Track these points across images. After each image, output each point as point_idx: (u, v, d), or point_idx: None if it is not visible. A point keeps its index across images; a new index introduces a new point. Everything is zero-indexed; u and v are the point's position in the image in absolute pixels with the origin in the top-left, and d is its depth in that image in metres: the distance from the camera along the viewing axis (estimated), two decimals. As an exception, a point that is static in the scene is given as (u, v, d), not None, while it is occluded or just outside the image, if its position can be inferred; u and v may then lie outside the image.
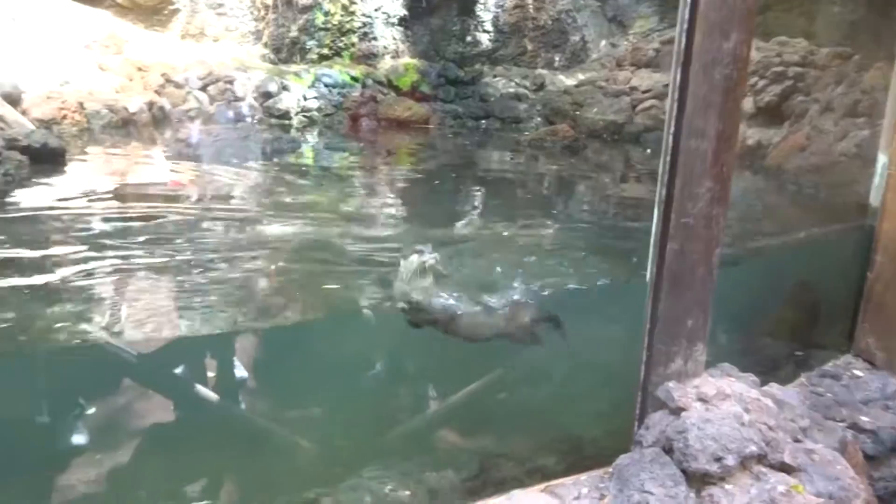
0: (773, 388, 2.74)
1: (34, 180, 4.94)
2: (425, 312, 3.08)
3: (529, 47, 13.60)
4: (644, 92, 11.05)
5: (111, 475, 2.85)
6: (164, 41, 10.78)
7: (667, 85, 2.58)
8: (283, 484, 2.83)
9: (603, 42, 14.26)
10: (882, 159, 3.82)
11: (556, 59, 13.78)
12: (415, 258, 3.06)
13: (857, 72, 6.87)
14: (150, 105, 8.85)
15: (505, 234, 4.59)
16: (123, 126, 8.29)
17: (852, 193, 4.30)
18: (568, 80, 12.88)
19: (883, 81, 3.95)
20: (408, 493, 2.69)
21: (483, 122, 11.51)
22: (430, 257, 3.04)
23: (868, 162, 4.04)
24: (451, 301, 3.13)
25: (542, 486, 2.69)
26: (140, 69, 9.66)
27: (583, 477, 2.75)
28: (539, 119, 11.70)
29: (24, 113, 7.37)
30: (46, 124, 7.40)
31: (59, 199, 4.71)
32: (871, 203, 3.90)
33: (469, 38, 12.94)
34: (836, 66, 7.77)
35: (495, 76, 12.73)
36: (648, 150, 9.47)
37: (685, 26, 2.48)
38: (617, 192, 6.98)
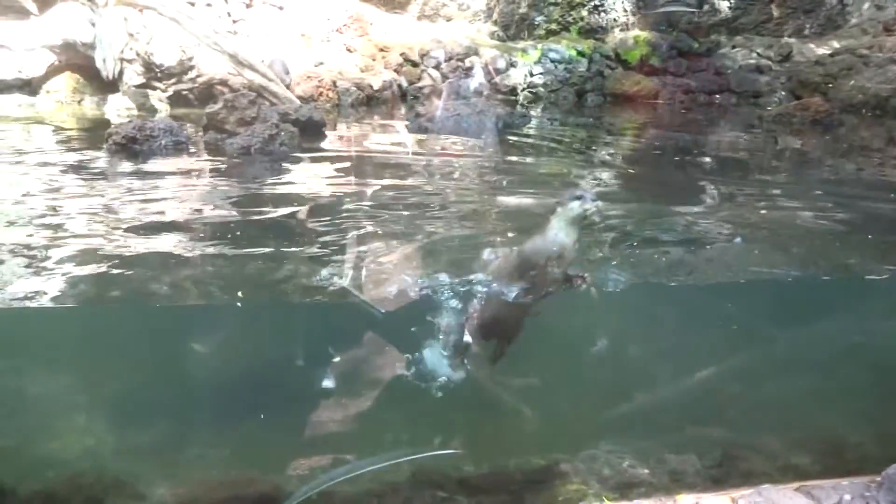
0: None
1: (302, 148, 5.57)
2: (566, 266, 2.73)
3: (776, 13, 12.38)
4: (920, 60, 9.57)
5: (358, 419, 3.15)
6: (403, 22, 11.45)
7: None
8: (522, 447, 2.94)
9: (866, 4, 12.54)
10: None
11: (808, 25, 12.40)
12: (576, 204, 2.69)
13: None
14: (391, 83, 9.51)
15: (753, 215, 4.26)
16: (367, 102, 9.03)
17: None
18: (820, 49, 11.55)
19: None
20: (646, 471, 2.66)
21: (717, 96, 10.77)
22: (592, 204, 2.66)
23: None
24: None
25: (797, 484, 2.52)
26: (382, 49, 10.38)
27: (844, 482, 2.53)
28: (782, 93, 10.69)
29: (289, 90, 8.32)
30: (306, 101, 8.28)
31: (332, 168, 5.27)
32: None
33: (707, 6, 12.09)
34: None
35: (734, 47, 11.81)
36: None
37: None
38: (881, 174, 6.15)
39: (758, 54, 11.66)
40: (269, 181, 4.83)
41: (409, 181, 4.95)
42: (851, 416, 2.90)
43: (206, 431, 3.13)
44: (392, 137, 6.81)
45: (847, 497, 2.44)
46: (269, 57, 8.70)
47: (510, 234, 3.99)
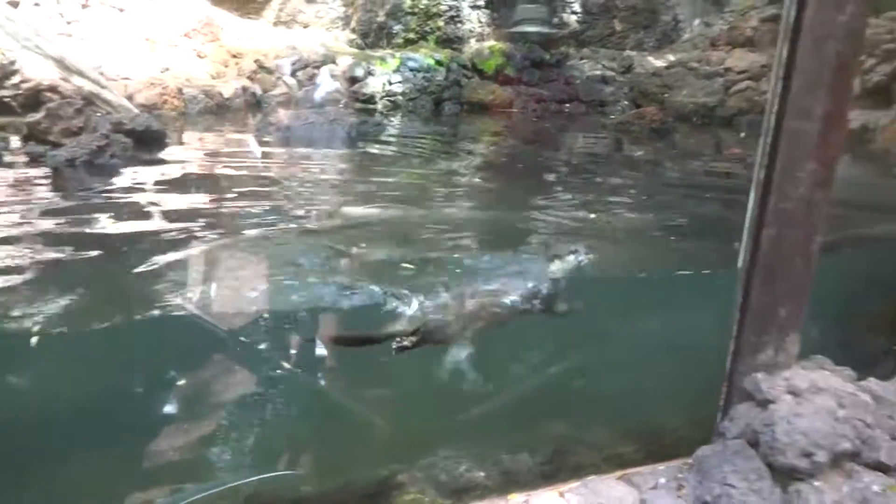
0: (872, 382, 2.57)
1: (137, 161, 5.24)
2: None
3: (618, 28, 13.24)
4: (739, 73, 10.55)
5: (195, 444, 2.99)
6: (258, 28, 11.13)
7: (764, 66, 2.46)
8: (361, 459, 2.91)
9: (696, 21, 13.69)
10: None
11: (646, 40, 13.36)
12: (571, 258, 3.26)
13: (981, 48, 6.32)
14: (244, 90, 9.20)
15: (581, 218, 4.52)
16: (218, 111, 8.67)
17: (970, 180, 3.97)
18: (657, 62, 12.46)
19: None
20: (482, 474, 2.70)
21: (567, 105, 11.32)
22: (585, 258, 3.25)
23: None
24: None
25: (619, 473, 2.65)
26: (235, 56, 10.03)
27: (661, 467, 2.69)
28: (625, 102, 11.41)
29: (129, 98, 7.82)
30: (148, 109, 7.81)
31: (158, 181, 4.98)
32: None
33: (556, 20, 12.71)
34: (956, 42, 7.18)
35: (582, 58, 12.48)
36: (742, 134, 9.05)
37: (796, -2, 2.34)
38: (702, 177, 6.72)
39: (603, 66, 12.38)
40: (93, 196, 4.49)
41: (255, 192, 4.79)
42: (669, 404, 3.11)
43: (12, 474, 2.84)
44: (241, 147, 6.58)
45: (662, 480, 2.60)
46: (105, 61, 8.14)
47: (362, 246, 3.98)
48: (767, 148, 2.38)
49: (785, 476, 2.26)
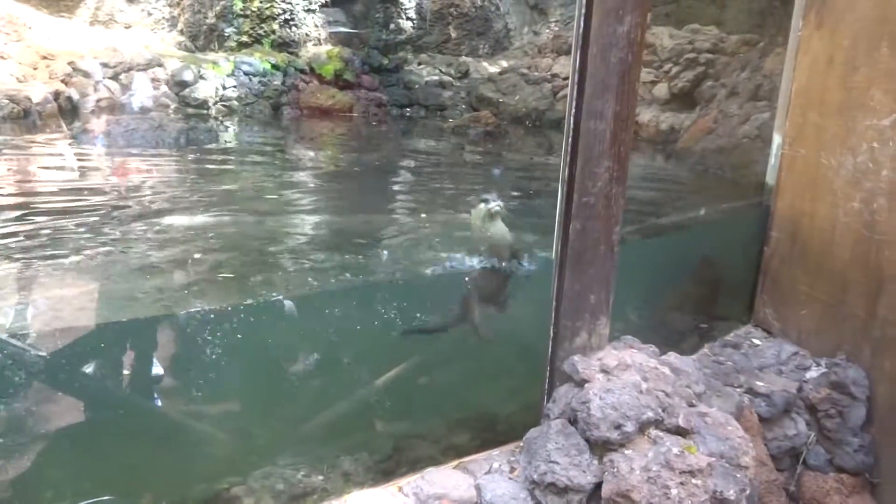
0: (671, 356, 2.87)
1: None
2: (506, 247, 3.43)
3: (453, 35, 13.66)
4: (565, 79, 11.26)
5: (15, 479, 2.73)
6: (71, 28, 10.28)
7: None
8: (197, 476, 2.79)
9: (525, 29, 14.46)
10: (777, 139, 4.03)
11: (481, 46, 13.89)
12: (482, 206, 3.42)
13: (761, 58, 7.21)
14: (57, 95, 8.45)
15: (414, 218, 4.64)
16: (26, 117, 7.89)
17: (752, 173, 4.52)
18: (491, 68, 13.01)
19: (781, 66, 4.16)
20: (321, 477, 2.69)
21: (407, 109, 11.51)
22: (494, 204, 3.39)
23: (767, 143, 4.25)
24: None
25: (455, 462, 2.75)
26: (45, 57, 9.20)
27: (495, 452, 2.82)
28: (464, 106, 11.79)
29: None
30: (-61, 115, 6.97)
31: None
32: (767, 182, 4.12)
33: (392, 26, 12.88)
34: (743, 52, 8.13)
35: (419, 64, 12.74)
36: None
37: (583, 10, 2.56)
38: (527, 175, 7.13)
39: (441, 71, 12.72)
40: None
41: (72, 205, 4.43)
42: (503, 392, 3.27)
43: None
44: (54, 158, 6.04)
45: (496, 464, 2.74)
46: None
47: (196, 256, 3.81)
48: (569, 147, 2.58)
49: (601, 448, 2.46)
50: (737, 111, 6.82)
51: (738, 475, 2.46)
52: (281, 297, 3.26)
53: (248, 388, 2.97)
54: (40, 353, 2.94)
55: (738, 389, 3.31)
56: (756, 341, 3.87)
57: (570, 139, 2.64)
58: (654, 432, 2.48)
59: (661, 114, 8.89)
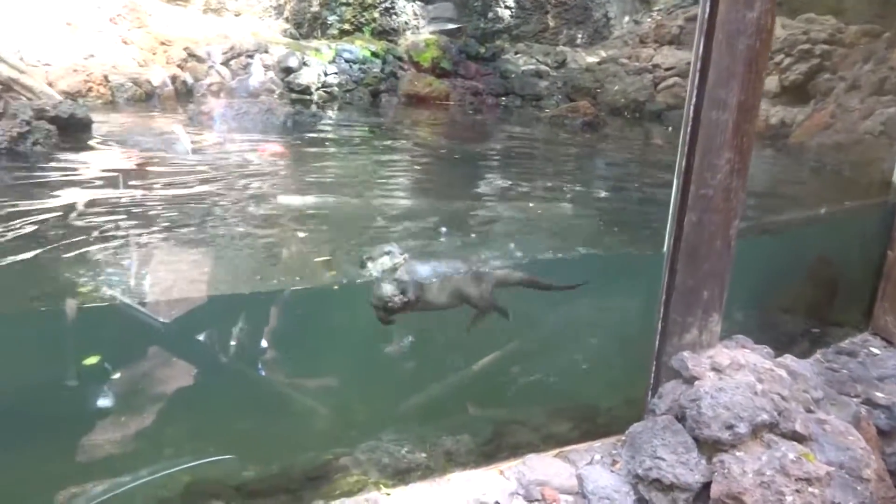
0: (788, 359, 2.75)
1: (62, 149, 5.03)
2: (401, 293, 3.23)
3: (551, 24, 13.47)
4: (667, 69, 10.92)
5: (135, 436, 2.93)
6: (186, 15, 10.81)
7: (690, 63, 2.58)
8: (304, 444, 2.92)
9: (626, 18, 14.08)
10: (907, 136, 3.78)
11: (579, 36, 13.65)
12: (386, 259, 3.21)
13: (887, 48, 6.74)
14: (174, 79, 8.94)
15: (511, 208, 4.63)
16: (147, 99, 8.40)
17: (876, 171, 4.26)
18: (590, 58, 12.76)
19: (911, 58, 3.88)
20: (424, 455, 2.76)
21: (503, 98, 11.46)
22: (400, 258, 3.20)
23: (894, 140, 3.99)
24: (418, 269, 3.26)
25: (556, 451, 2.75)
26: (163, 43, 9.71)
27: (596, 444, 2.80)
28: (559, 96, 11.62)
29: (50, 85, 7.48)
30: (72, 96, 7.50)
31: (85, 170, 4.81)
32: (894, 181, 3.87)
33: (490, 14, 12.83)
34: (864, 43, 7.62)
35: (516, 53, 12.64)
36: (670, 128, 9.39)
37: (709, -3, 2.47)
38: (631, 168, 6.98)
39: (537, 60, 12.58)
40: (19, 184, 4.31)
41: (188, 182, 4.68)
42: (604, 384, 3.23)
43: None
44: (171, 136, 6.40)
45: (598, 456, 2.72)
46: (24, 46, 7.76)
47: (301, 235, 3.96)
48: (687, 138, 2.51)
49: (710, 447, 2.40)
50: (858, 105, 6.41)
51: (859, 487, 2.35)
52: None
53: (356, 365, 3.07)
54: (162, 320, 3.14)
55: (855, 399, 3.14)
56: (875, 350, 3.65)
57: (688, 129, 2.57)
58: (767, 436, 2.40)
59: (770, 107, 8.47)
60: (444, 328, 3.57)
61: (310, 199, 4.43)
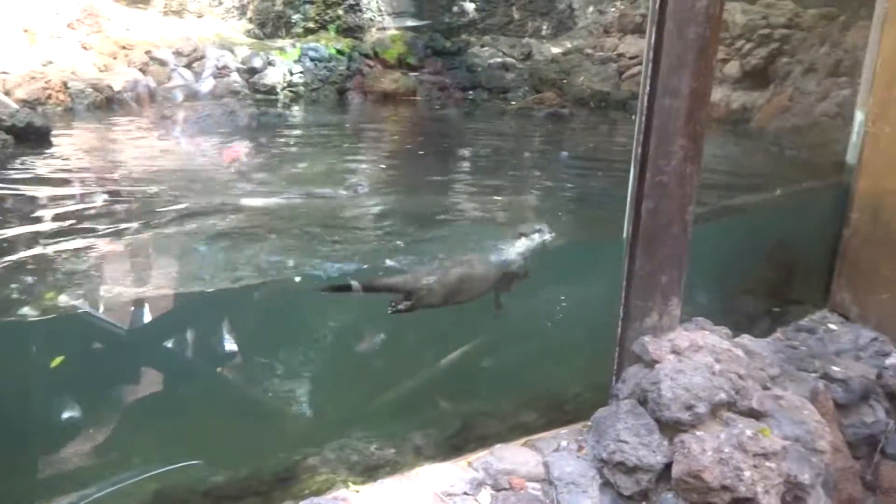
0: (745, 339, 2.82)
1: (18, 157, 4.95)
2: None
3: (517, 16, 13.50)
4: (631, 58, 11.02)
5: (97, 446, 2.91)
6: (147, 18, 10.66)
7: (648, 51, 2.62)
8: (275, 447, 2.92)
9: (590, 9, 14.14)
10: (859, 117, 3.87)
11: (544, 27, 13.68)
12: (536, 236, 3.46)
13: (842, 31, 6.88)
14: (135, 83, 8.81)
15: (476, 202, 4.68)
16: (108, 105, 8.27)
17: (831, 152, 4.35)
18: (555, 49, 12.81)
19: (864, 40, 3.98)
20: (393, 450, 2.78)
21: (470, 92, 11.47)
22: (549, 236, 3.46)
23: (847, 121, 4.08)
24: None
25: (523, 440, 2.79)
26: (123, 47, 9.57)
27: (563, 431, 2.84)
28: (526, 88, 11.66)
29: (7, 94, 7.34)
30: (31, 104, 7.37)
31: (43, 178, 4.75)
32: (847, 161, 3.96)
33: (455, 8, 12.83)
34: (821, 27, 7.76)
35: (482, 46, 12.66)
36: (633, 116, 9.49)
37: (658, -14, 2.51)
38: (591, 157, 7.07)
39: (503, 53, 12.61)
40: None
41: (150, 186, 4.64)
42: (570, 371, 3.28)
43: None
44: (133, 142, 6.32)
45: (564, 443, 2.75)
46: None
47: (271, 236, 3.94)
48: (642, 126, 2.56)
49: (671, 428, 2.45)
50: (814, 88, 6.54)
51: (814, 459, 2.42)
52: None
53: (323, 364, 3.08)
54: (123, 326, 3.11)
55: (813, 375, 3.22)
56: (832, 326, 3.75)
57: (643, 117, 2.61)
58: (726, 414, 2.45)
59: (732, 92, 8.60)
60: (415, 324, 3.59)
61: (274, 200, 4.42)
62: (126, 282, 3.20)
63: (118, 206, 4.18)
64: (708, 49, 2.51)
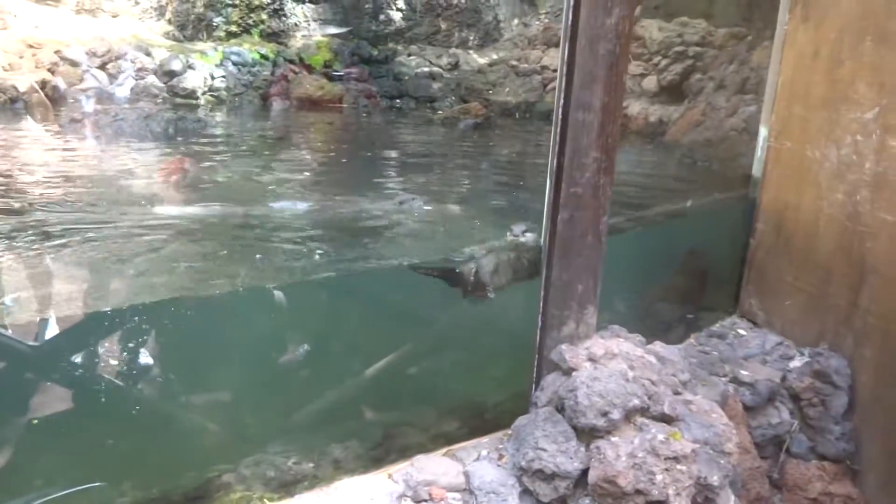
0: (657, 345, 2.91)
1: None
2: None
3: (443, 26, 13.61)
4: (554, 71, 11.26)
5: (5, 468, 2.74)
6: (58, 16, 10.17)
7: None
8: (188, 465, 2.80)
9: (515, 21, 14.42)
10: (763, 132, 4.07)
11: (471, 38, 13.85)
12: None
13: (748, 51, 7.25)
14: (43, 84, 8.38)
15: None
16: (12, 107, 7.83)
17: (739, 165, 4.56)
18: (481, 60, 12.99)
19: (767, 60, 4.19)
20: (311, 464, 2.72)
21: (397, 101, 11.48)
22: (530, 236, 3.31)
23: (753, 136, 4.29)
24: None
25: (444, 450, 2.78)
26: (31, 46, 9.10)
27: (484, 440, 2.86)
28: (453, 98, 11.77)
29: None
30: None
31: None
32: (754, 174, 4.16)
33: (382, 17, 12.82)
34: (731, 45, 8.16)
35: (409, 55, 12.70)
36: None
37: (572, 3, 2.58)
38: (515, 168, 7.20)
39: (430, 62, 12.69)
40: None
41: (56, 196, 4.41)
42: (492, 381, 3.30)
43: None
44: (39, 147, 6.00)
45: (485, 452, 2.77)
46: None
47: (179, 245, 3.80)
48: (557, 139, 2.61)
49: (587, 435, 2.49)
50: (724, 104, 6.86)
51: (722, 461, 2.51)
52: (270, 286, 3.26)
53: (238, 377, 2.99)
54: (29, 343, 2.94)
55: (724, 378, 3.36)
56: (741, 331, 3.92)
57: (558, 130, 2.67)
58: (640, 419, 2.52)
59: (650, 106, 8.93)
60: (336, 334, 3.54)
61: (190, 209, 4.28)
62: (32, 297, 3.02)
63: None
64: (618, 65, 2.59)
